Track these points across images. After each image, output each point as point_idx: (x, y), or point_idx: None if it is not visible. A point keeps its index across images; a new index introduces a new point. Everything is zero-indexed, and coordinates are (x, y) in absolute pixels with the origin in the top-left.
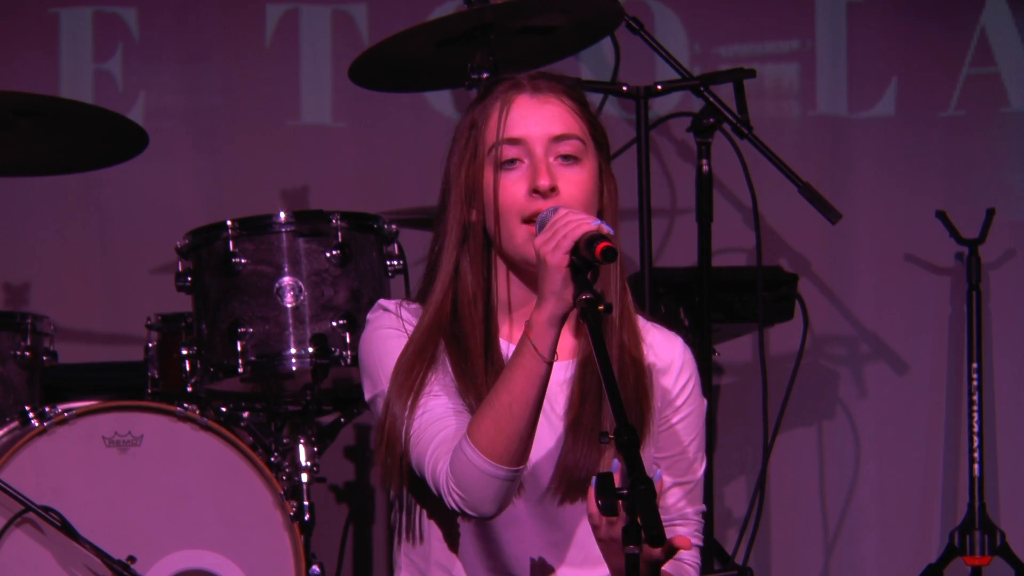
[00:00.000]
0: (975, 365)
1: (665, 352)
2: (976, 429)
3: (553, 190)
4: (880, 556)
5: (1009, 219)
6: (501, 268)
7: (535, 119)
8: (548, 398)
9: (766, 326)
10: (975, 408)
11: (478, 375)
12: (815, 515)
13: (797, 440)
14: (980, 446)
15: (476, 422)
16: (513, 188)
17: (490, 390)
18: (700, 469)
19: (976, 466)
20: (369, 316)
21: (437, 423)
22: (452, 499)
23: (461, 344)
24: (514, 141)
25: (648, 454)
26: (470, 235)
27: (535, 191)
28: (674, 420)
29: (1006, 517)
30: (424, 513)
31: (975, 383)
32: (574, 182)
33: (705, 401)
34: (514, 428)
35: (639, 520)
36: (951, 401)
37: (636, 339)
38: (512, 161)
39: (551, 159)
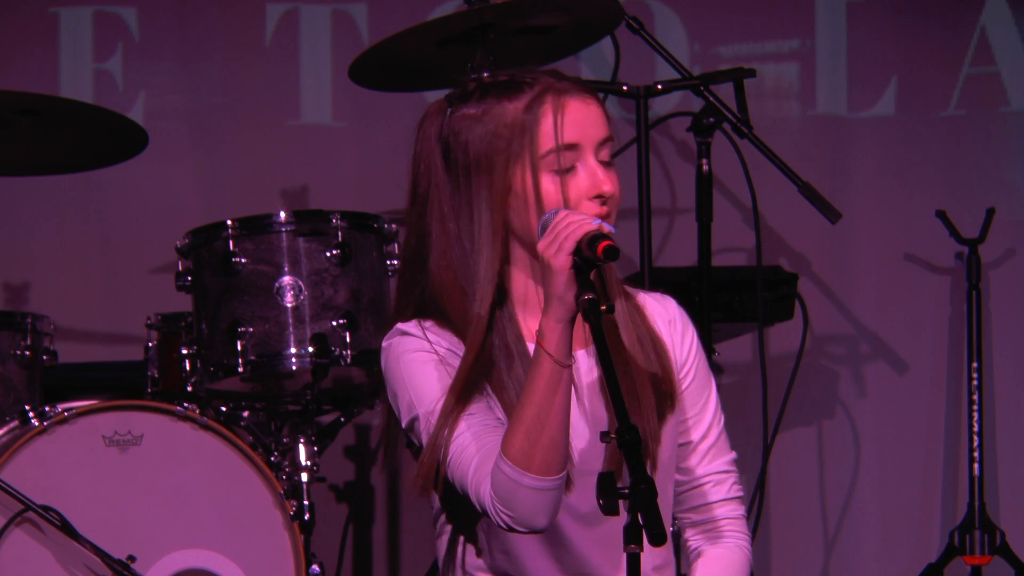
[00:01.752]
0: (975, 365)
1: (665, 317)
2: (976, 429)
3: (612, 196)
4: (880, 555)
5: (1009, 219)
6: (523, 268)
7: (587, 123)
8: (578, 390)
9: (766, 326)
10: (975, 408)
11: (504, 380)
12: (815, 515)
13: (797, 440)
14: (980, 446)
15: (509, 439)
16: (575, 194)
17: (517, 399)
18: (722, 419)
19: (976, 465)
20: (389, 342)
21: (474, 444)
22: (501, 519)
23: (487, 349)
24: (572, 147)
25: (675, 419)
26: (503, 237)
27: (599, 196)
28: (688, 380)
29: (1006, 517)
30: (479, 525)
31: (975, 383)
32: (616, 185)
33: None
34: (548, 438)
35: (640, 519)
36: (951, 401)
37: (640, 313)
38: (571, 168)
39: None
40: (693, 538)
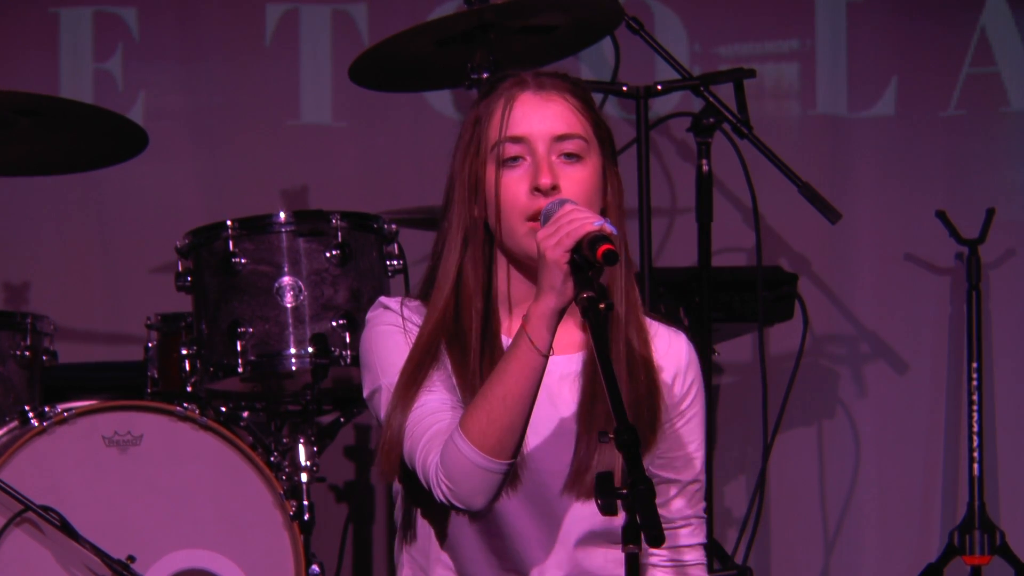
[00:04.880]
0: (975, 365)
1: (671, 353)
2: (976, 429)
3: (554, 188)
4: (880, 555)
5: (1009, 219)
6: (502, 263)
7: (538, 117)
8: (551, 392)
9: (766, 326)
10: (975, 408)
11: (475, 370)
12: (815, 514)
13: (797, 440)
14: (980, 446)
15: (469, 414)
16: (515, 186)
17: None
18: (702, 469)
19: (976, 465)
20: (369, 314)
21: (431, 416)
22: (441, 491)
23: (461, 339)
24: (517, 139)
25: (656, 451)
26: (473, 230)
27: (536, 189)
28: (679, 423)
29: (1006, 516)
30: (420, 509)
31: (975, 383)
32: (576, 180)
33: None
34: (507, 421)
35: (639, 519)
36: (951, 401)
37: (644, 336)
38: (515, 159)
39: (553, 157)
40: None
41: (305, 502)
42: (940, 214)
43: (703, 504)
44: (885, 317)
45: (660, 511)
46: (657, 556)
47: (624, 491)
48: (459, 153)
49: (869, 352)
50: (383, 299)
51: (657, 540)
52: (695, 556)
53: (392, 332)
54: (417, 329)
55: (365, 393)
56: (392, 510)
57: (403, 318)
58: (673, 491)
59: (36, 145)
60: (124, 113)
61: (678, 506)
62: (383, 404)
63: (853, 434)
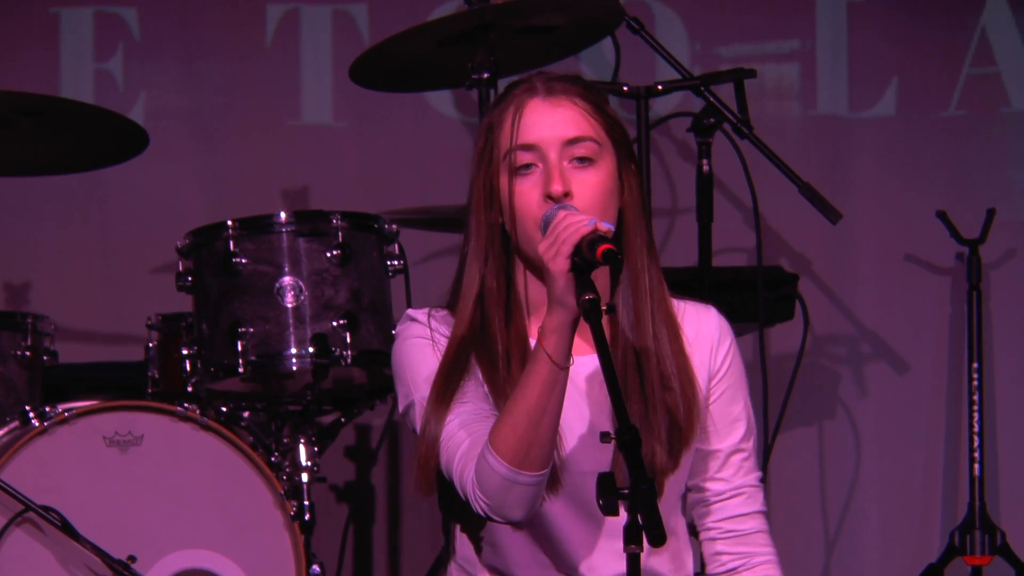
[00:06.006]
0: (975, 365)
1: (701, 325)
2: (976, 429)
3: (566, 195)
4: (880, 555)
5: (1010, 219)
6: (520, 268)
7: (547, 124)
8: (582, 391)
9: (766, 326)
10: (975, 408)
11: (503, 377)
12: (815, 514)
13: (797, 440)
14: (980, 446)
15: (497, 429)
16: (528, 194)
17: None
18: (746, 436)
19: (976, 465)
20: (398, 327)
21: (463, 430)
22: (479, 507)
23: (488, 347)
24: (527, 147)
25: (690, 453)
26: (492, 236)
27: (549, 197)
28: (719, 391)
29: (1006, 516)
30: (464, 518)
31: (975, 383)
32: (588, 184)
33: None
34: (534, 434)
35: (640, 520)
36: (951, 401)
37: (674, 328)
38: (526, 166)
39: (565, 162)
40: (725, 552)
41: (306, 502)
42: (940, 214)
43: (756, 473)
44: (885, 317)
45: (709, 484)
46: (715, 529)
47: (625, 491)
48: (475, 160)
49: (870, 352)
50: (410, 311)
51: (658, 540)
52: (754, 524)
53: (421, 345)
54: (446, 340)
55: (400, 408)
56: (393, 510)
57: (431, 329)
58: (716, 463)
59: (36, 145)
60: (125, 113)
61: (725, 475)
62: (418, 418)
63: (854, 434)
